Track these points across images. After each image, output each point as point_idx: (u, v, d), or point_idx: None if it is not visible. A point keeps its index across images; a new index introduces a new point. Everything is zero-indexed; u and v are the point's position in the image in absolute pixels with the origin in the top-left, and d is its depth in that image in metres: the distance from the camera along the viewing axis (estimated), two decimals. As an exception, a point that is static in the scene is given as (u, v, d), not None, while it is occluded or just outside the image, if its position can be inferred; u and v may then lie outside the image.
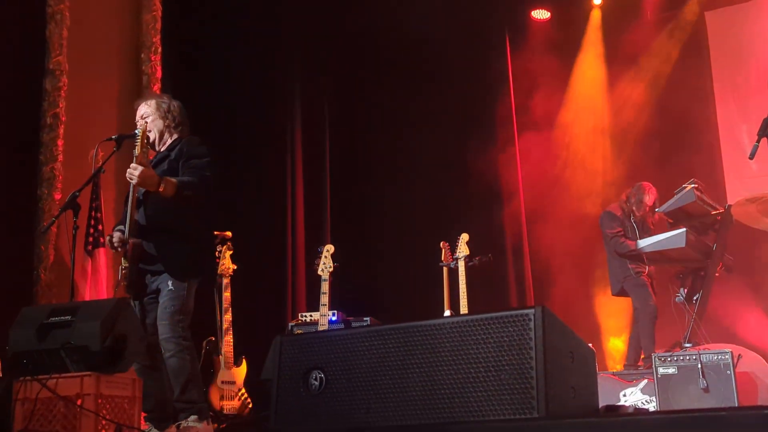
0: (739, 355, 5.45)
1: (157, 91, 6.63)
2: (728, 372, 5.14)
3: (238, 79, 7.63)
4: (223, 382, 6.06)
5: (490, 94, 8.56)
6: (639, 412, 2.56)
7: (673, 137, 8.11)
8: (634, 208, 6.68)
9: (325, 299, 5.74)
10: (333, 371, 2.96)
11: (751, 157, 4.61)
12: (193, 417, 4.19)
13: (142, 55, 7.02)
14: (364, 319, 5.91)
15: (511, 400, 2.55)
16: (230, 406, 6.03)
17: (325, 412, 2.93)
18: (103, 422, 3.34)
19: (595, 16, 8.87)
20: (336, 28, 8.30)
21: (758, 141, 4.58)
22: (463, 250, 6.21)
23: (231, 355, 6.11)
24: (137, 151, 4.19)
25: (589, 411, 2.65)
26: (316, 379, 2.97)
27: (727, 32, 8.41)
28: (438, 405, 2.73)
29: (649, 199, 6.67)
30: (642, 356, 6.40)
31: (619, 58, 8.56)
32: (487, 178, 8.19)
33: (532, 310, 2.57)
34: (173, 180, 4.21)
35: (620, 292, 6.72)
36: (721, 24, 8.44)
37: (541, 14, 8.93)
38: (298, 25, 8.12)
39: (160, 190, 4.14)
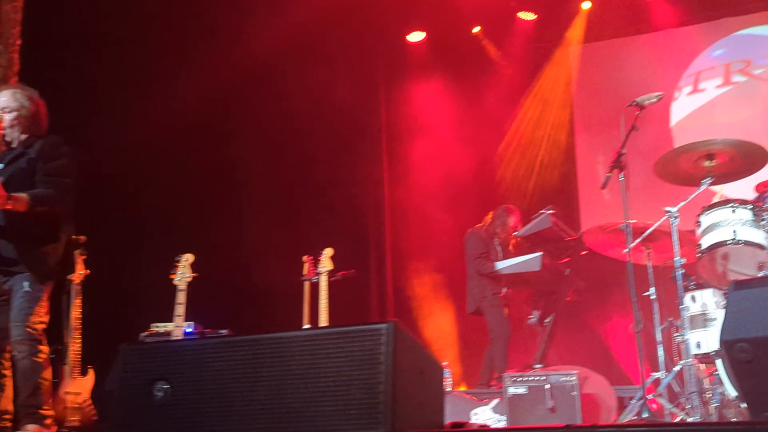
0: (585, 377, 5.67)
1: (15, 85, 6.28)
2: (573, 393, 5.34)
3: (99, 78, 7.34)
4: (67, 392, 5.75)
5: (359, 106, 8.62)
6: (483, 429, 2.60)
7: (536, 163, 8.45)
8: (498, 230, 6.88)
9: (180, 310, 5.56)
10: (179, 382, 2.86)
11: (603, 187, 4.84)
12: (32, 426, 3.99)
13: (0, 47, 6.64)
14: (221, 331, 5.78)
15: (358, 415, 2.53)
16: (74, 417, 5.73)
17: (168, 423, 2.82)
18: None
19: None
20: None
21: (610, 172, 4.82)
22: (326, 264, 6.18)
23: (77, 364, 5.82)
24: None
25: (434, 427, 2.67)
26: (160, 390, 2.85)
27: (590, 67, 8.87)
28: (285, 418, 2.69)
29: (512, 221, 6.88)
30: (495, 376, 6.56)
31: (490, 81, 8.84)
32: (354, 194, 8.23)
33: (384, 326, 2.57)
34: (24, 197, 4.07)
35: (476, 312, 6.88)
36: (585, 58, 8.89)
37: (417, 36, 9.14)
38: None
39: (8, 207, 3.97)
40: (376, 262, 8.42)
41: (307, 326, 6.24)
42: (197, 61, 7.74)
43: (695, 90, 8.69)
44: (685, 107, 8.69)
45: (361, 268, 7.75)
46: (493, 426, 5.40)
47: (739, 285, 2.80)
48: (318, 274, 6.17)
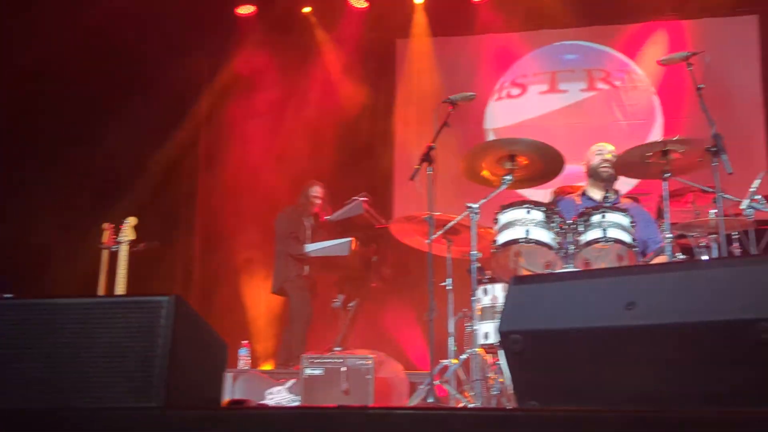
0: (381, 362, 5.81)
1: None
2: (368, 377, 5.47)
3: None
4: None
5: (182, 79, 8.36)
6: (261, 407, 2.59)
7: (355, 150, 8.54)
8: (305, 206, 6.92)
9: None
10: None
11: (411, 178, 4.97)
12: None
13: None
14: (6, 295, 5.39)
15: (132, 388, 2.45)
16: None
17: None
18: None
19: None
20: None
21: (419, 165, 4.96)
22: (127, 234, 5.93)
23: None
24: None
25: (211, 404, 2.62)
26: None
27: (416, 61, 9.09)
28: (60, 389, 2.55)
29: (316, 191, 6.95)
30: (293, 356, 6.59)
31: (318, 64, 8.83)
32: (167, 166, 7.97)
33: (165, 299, 2.49)
34: None
35: (279, 291, 6.88)
36: (413, 52, 9.10)
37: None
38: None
39: None
40: (184, 236, 8.20)
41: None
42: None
43: (509, 96, 9.14)
44: (502, 110, 9.11)
45: (168, 242, 7.53)
46: (286, 406, 5.43)
47: (518, 280, 2.96)
48: (118, 243, 5.92)
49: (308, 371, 5.51)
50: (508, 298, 2.92)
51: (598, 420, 2.20)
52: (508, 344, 2.77)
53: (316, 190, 6.98)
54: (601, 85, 9.02)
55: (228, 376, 5.85)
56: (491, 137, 8.72)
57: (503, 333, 2.78)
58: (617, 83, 8.97)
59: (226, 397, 5.27)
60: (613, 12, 8.82)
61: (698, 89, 4.69)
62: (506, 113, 9.10)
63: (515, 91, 9.16)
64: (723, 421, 2.07)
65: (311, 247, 6.59)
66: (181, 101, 8.54)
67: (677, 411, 2.17)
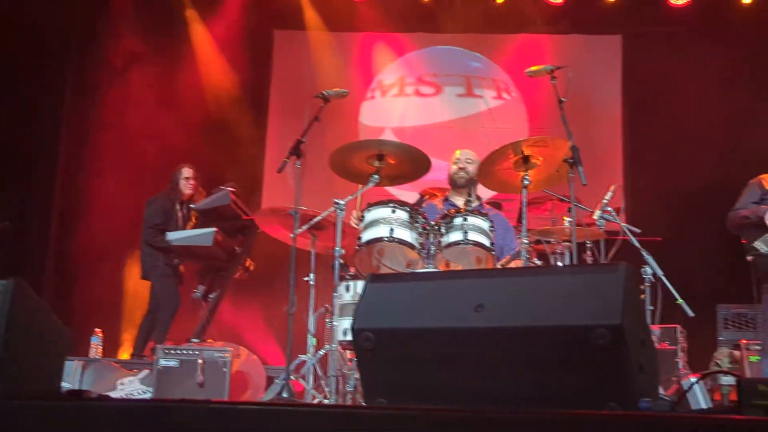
0: (239, 354, 5.74)
1: None
2: (224, 369, 5.39)
3: None
4: None
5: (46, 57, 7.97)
6: (102, 398, 2.49)
7: (227, 140, 8.40)
8: (175, 192, 6.75)
9: None
10: None
11: (279, 171, 4.94)
12: None
13: None
14: None
15: (-39, 377, 2.30)
16: None
17: None
18: None
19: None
20: None
21: (288, 158, 4.93)
22: (-25, 212, 5.60)
23: None
24: None
25: (50, 393, 2.51)
26: None
27: (291, 52, 9.02)
28: None
29: (186, 173, 6.80)
30: (151, 346, 6.41)
31: (191, 52, 8.62)
32: (23, 145, 7.57)
33: (2, 282, 2.35)
34: None
35: (147, 278, 6.69)
36: (288, 43, 9.02)
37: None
38: None
39: None
40: (40, 217, 7.80)
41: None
42: None
43: (385, 96, 9.24)
44: (377, 108, 9.19)
45: (21, 222, 7.16)
46: (137, 397, 5.27)
47: (375, 278, 2.98)
48: (-35, 221, 5.58)
49: (163, 362, 5.37)
50: (363, 295, 2.94)
51: (443, 419, 2.25)
52: (359, 342, 2.79)
53: (187, 172, 6.80)
54: (477, 91, 9.25)
55: (78, 365, 5.63)
56: (388, 135, 8.77)
57: (356, 330, 2.80)
58: (484, 91, 9.24)
59: (71, 387, 5.06)
60: (488, 21, 9.06)
61: (560, 102, 4.87)
62: (378, 111, 9.19)
63: (405, 90, 9.27)
64: (562, 422, 2.15)
65: (173, 236, 6.41)
66: (46, 83, 8.13)
67: (519, 411, 2.24)
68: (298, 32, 9.03)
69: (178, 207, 6.76)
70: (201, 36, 8.71)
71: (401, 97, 9.23)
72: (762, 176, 5.43)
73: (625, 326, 2.49)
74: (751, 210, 5.20)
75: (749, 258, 5.20)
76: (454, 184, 5.52)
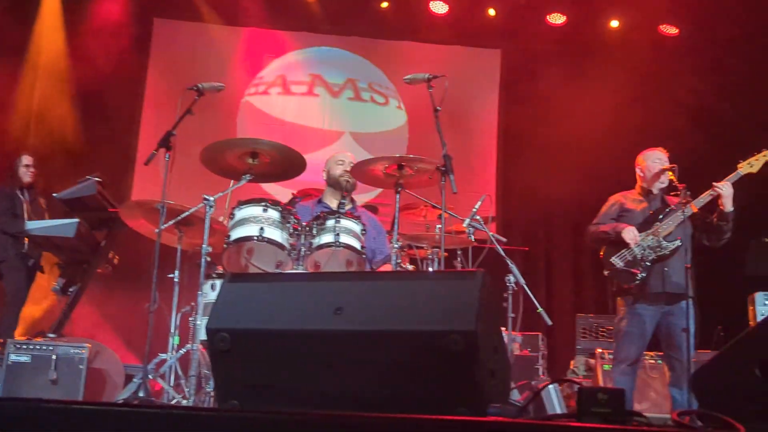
0: (97, 351, 5.51)
1: None
2: (81, 366, 5.17)
3: None
4: None
5: None
6: None
7: (97, 131, 8.09)
8: (18, 181, 6.50)
9: None
10: None
11: (146, 163, 4.78)
12: None
13: None
14: None
15: None
16: None
17: None
18: None
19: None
20: None
21: (156, 150, 4.77)
22: None
23: None
24: None
25: None
26: None
27: (171, 41, 8.79)
28: None
29: (27, 160, 6.59)
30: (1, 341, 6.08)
31: (66, 37, 8.27)
32: None
33: None
34: None
35: (-2, 269, 6.36)
36: (167, 32, 8.79)
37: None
38: None
39: None
40: None
41: None
42: None
43: (266, 93, 9.14)
44: (256, 106, 9.07)
45: None
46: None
47: (234, 278, 2.92)
48: None
49: (13, 357, 5.11)
50: (220, 295, 2.87)
51: (294, 422, 2.22)
52: (214, 342, 2.72)
53: (27, 159, 6.59)
54: (365, 95, 9.30)
55: None
56: (267, 133, 8.64)
57: (210, 330, 2.73)
58: (376, 96, 9.31)
59: None
60: (373, 27, 9.13)
61: (435, 111, 4.93)
62: (260, 107, 9.09)
63: (282, 89, 9.18)
64: (407, 426, 2.17)
65: (32, 225, 6.10)
66: None
67: (368, 414, 2.24)
68: (180, 23, 8.80)
69: (19, 194, 6.48)
70: (77, 20, 8.34)
71: (282, 96, 9.15)
72: (622, 193, 5.68)
73: (479, 333, 2.54)
74: (611, 226, 5.42)
75: (606, 273, 5.43)
76: (338, 186, 5.47)
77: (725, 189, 5.16)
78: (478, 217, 5.55)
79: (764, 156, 5.24)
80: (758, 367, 2.41)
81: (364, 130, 9.17)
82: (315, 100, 9.20)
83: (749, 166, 5.25)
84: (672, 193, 5.43)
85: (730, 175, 5.23)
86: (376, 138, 9.10)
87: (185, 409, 2.84)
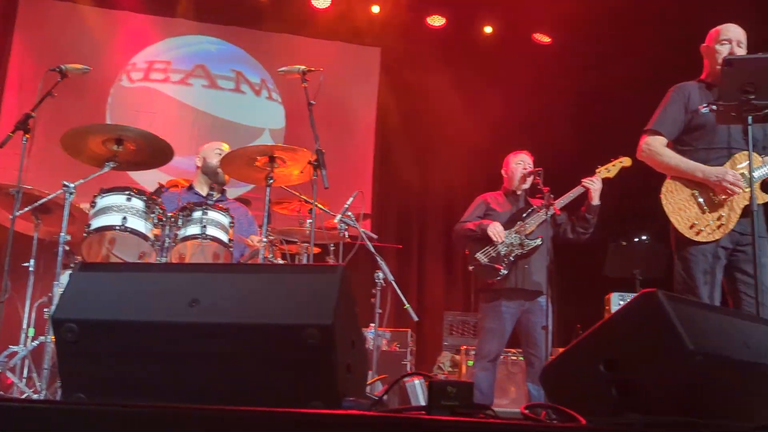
0: None
1: None
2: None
3: None
4: None
5: None
6: None
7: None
8: None
9: None
10: None
11: (1, 146, 4.53)
12: None
13: None
14: None
15: None
16: None
17: None
18: None
19: None
20: None
21: (13, 132, 4.54)
22: None
23: None
24: None
25: None
26: None
27: (37, 21, 8.39)
28: None
29: None
30: None
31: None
32: None
33: None
34: None
35: None
36: (34, 11, 8.37)
37: None
38: None
39: None
40: None
41: None
42: None
43: (139, 80, 8.86)
44: (128, 92, 8.78)
45: None
46: None
47: (85, 267, 2.81)
48: None
49: None
50: (69, 284, 2.75)
51: (138, 414, 2.16)
52: (61, 333, 2.61)
53: None
54: (244, 87, 9.16)
55: None
56: (138, 120, 8.35)
57: (57, 321, 2.62)
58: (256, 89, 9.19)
59: None
60: (252, 17, 9.01)
61: (309, 105, 4.91)
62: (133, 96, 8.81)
63: (158, 75, 8.91)
64: (257, 419, 2.15)
65: None
66: None
67: (216, 408, 2.21)
68: (49, 2, 8.40)
69: None
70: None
71: (154, 83, 8.89)
72: (488, 193, 5.84)
73: (336, 327, 2.54)
74: (476, 223, 5.56)
75: (470, 268, 5.57)
76: (213, 176, 5.38)
77: (595, 183, 5.42)
78: (350, 213, 5.57)
79: (620, 162, 5.51)
80: (602, 363, 2.53)
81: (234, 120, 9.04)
82: (186, 89, 8.99)
83: (606, 171, 5.51)
84: (537, 195, 5.62)
85: (590, 177, 5.47)
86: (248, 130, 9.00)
87: (19, 402, 2.71)
